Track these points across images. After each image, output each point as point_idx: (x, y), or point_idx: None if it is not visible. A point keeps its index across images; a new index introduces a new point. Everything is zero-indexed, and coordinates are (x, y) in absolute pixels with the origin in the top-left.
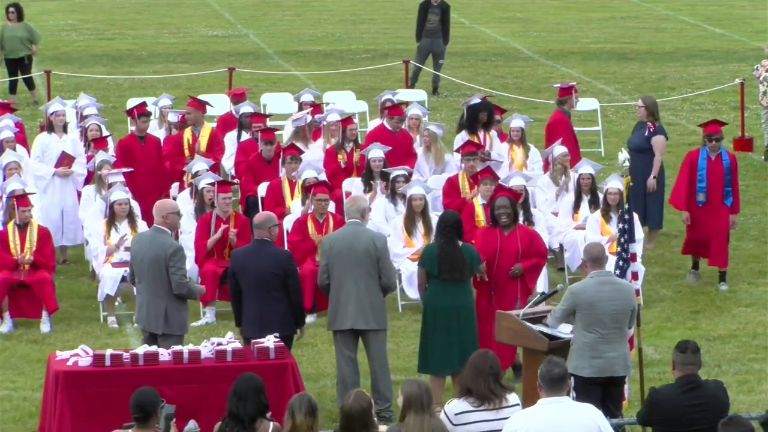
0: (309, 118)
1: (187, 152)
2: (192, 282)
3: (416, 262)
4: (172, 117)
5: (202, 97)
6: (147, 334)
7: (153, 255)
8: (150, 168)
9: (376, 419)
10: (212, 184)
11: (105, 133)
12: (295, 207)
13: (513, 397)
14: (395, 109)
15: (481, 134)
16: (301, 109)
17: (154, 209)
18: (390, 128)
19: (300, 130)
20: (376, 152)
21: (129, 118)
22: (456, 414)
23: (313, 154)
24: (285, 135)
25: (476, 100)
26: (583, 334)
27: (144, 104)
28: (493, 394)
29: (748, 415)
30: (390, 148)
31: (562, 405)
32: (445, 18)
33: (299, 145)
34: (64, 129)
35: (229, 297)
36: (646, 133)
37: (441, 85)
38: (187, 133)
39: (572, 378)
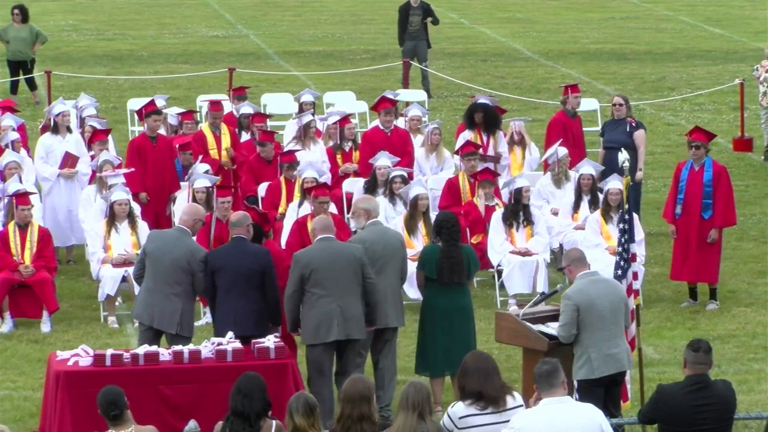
0: (309, 117)
1: (214, 151)
2: None
3: (416, 263)
4: (172, 120)
5: (203, 97)
6: (152, 331)
7: (179, 255)
8: (161, 168)
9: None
10: (210, 186)
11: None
12: (291, 210)
13: (517, 398)
14: (382, 103)
15: (485, 136)
16: (301, 109)
17: (184, 210)
18: (382, 127)
19: (305, 131)
20: (384, 161)
21: (140, 120)
22: (460, 418)
23: (315, 155)
24: (285, 135)
25: (483, 100)
26: (587, 337)
27: (152, 103)
28: (500, 395)
29: (747, 415)
30: (399, 159)
31: (564, 405)
32: (429, 15)
33: (303, 145)
34: (68, 129)
35: (207, 296)
36: (628, 129)
37: (441, 86)
38: (208, 132)
39: (576, 382)
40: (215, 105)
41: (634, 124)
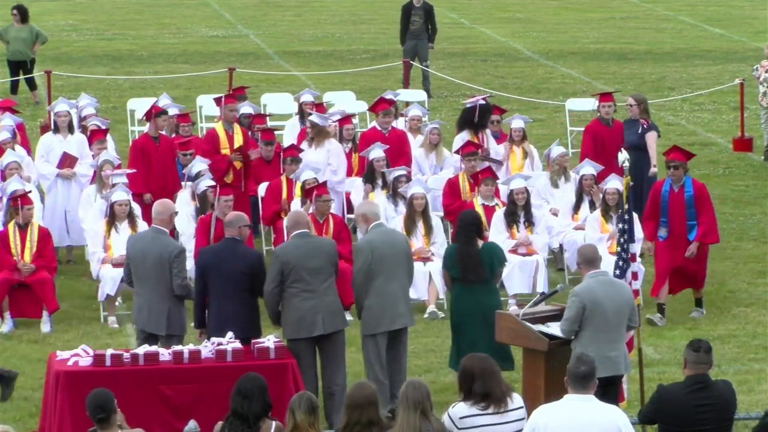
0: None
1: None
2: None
3: (417, 263)
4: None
5: (203, 97)
6: (145, 334)
7: (156, 255)
8: (163, 168)
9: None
10: (213, 186)
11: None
12: (293, 208)
13: (517, 399)
14: (381, 104)
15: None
16: (301, 109)
17: (155, 208)
18: (380, 128)
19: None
20: (377, 152)
21: (147, 121)
22: (461, 418)
23: (321, 156)
24: (285, 135)
25: (479, 101)
26: (587, 335)
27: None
28: (505, 395)
29: (747, 415)
30: (388, 146)
31: (587, 404)
32: (430, 19)
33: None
34: (69, 129)
35: (194, 296)
36: (640, 130)
37: (441, 86)
38: (221, 131)
39: None
40: (230, 98)
41: (645, 126)
